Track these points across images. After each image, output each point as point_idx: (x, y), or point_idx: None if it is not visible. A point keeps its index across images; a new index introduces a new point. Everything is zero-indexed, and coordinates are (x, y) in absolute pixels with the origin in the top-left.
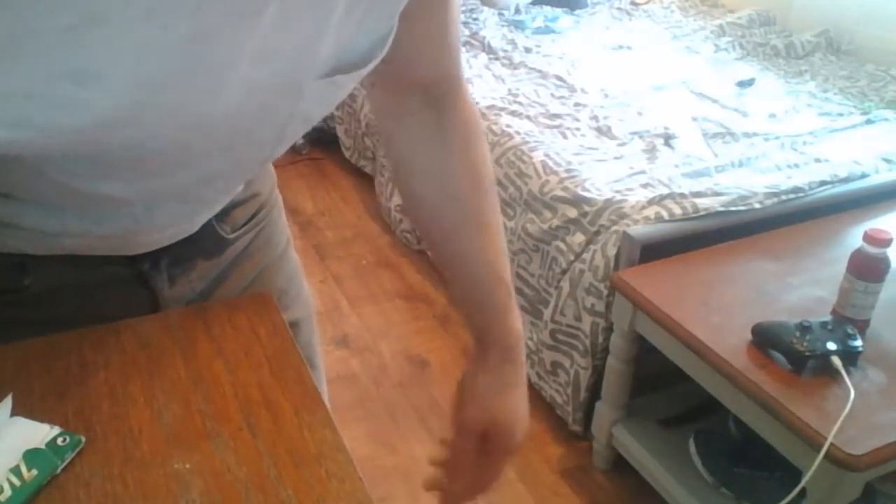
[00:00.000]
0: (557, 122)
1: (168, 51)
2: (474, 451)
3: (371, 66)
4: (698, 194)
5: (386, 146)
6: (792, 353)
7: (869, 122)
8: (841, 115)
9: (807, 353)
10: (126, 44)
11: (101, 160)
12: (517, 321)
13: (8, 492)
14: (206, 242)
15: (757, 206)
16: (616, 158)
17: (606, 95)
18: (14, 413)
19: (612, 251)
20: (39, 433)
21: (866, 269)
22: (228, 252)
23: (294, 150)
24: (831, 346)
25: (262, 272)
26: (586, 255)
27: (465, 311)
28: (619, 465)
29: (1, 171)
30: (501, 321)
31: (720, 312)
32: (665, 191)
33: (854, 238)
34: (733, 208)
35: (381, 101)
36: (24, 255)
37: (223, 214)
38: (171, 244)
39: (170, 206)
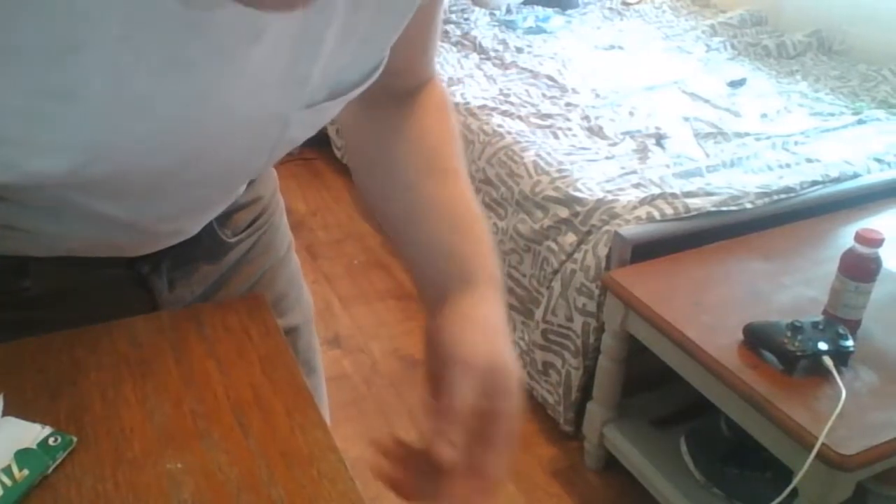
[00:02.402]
0: (549, 122)
1: (143, 79)
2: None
3: (358, 92)
4: (690, 194)
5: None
6: (783, 353)
7: (860, 122)
8: (832, 115)
9: (798, 353)
10: (101, 67)
11: (88, 182)
12: (494, 254)
13: None
14: (206, 246)
15: (748, 206)
16: (607, 158)
17: (598, 95)
18: (6, 413)
19: (603, 251)
20: (31, 433)
21: (858, 269)
22: (229, 256)
23: None
24: (823, 346)
25: (262, 276)
26: (578, 255)
27: (430, 262)
28: (611, 465)
29: None
30: (484, 253)
31: (711, 312)
32: (656, 191)
33: (845, 238)
34: (724, 208)
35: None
36: (24, 257)
37: (224, 218)
38: (172, 247)
39: (163, 222)
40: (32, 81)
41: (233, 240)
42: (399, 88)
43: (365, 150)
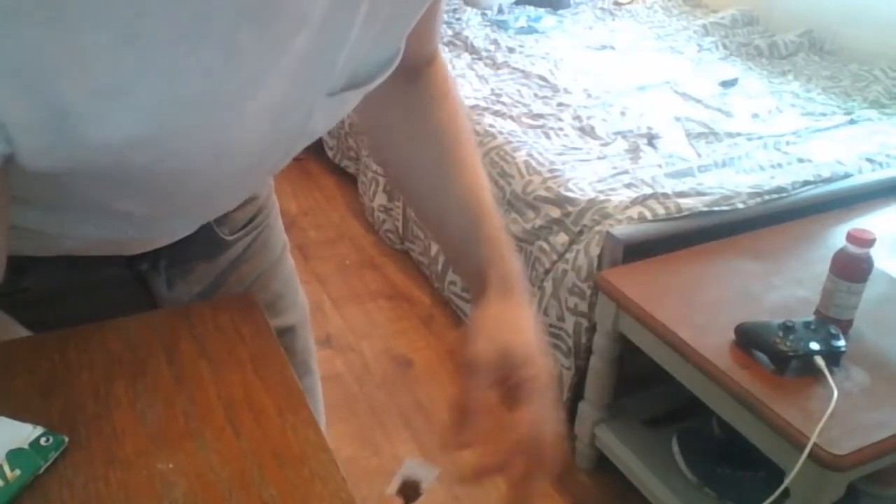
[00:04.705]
0: (540, 122)
1: (198, 74)
2: (490, 397)
3: (378, 82)
4: (681, 194)
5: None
6: (775, 353)
7: (852, 122)
8: (824, 114)
9: (790, 354)
10: (156, 64)
11: (121, 179)
12: (512, 255)
13: None
14: (204, 244)
15: (740, 206)
16: (599, 158)
17: (590, 95)
18: None
19: (595, 251)
20: (23, 433)
21: (849, 269)
22: (227, 254)
23: None
24: (814, 346)
25: (259, 276)
26: (569, 256)
27: (456, 257)
28: (603, 465)
29: (20, 177)
30: (496, 256)
31: (703, 312)
32: (648, 191)
33: (837, 238)
34: (716, 208)
35: None
36: (22, 257)
37: (222, 217)
38: (170, 245)
39: (172, 219)
40: (89, 81)
41: (230, 238)
42: (406, 63)
43: (382, 120)
